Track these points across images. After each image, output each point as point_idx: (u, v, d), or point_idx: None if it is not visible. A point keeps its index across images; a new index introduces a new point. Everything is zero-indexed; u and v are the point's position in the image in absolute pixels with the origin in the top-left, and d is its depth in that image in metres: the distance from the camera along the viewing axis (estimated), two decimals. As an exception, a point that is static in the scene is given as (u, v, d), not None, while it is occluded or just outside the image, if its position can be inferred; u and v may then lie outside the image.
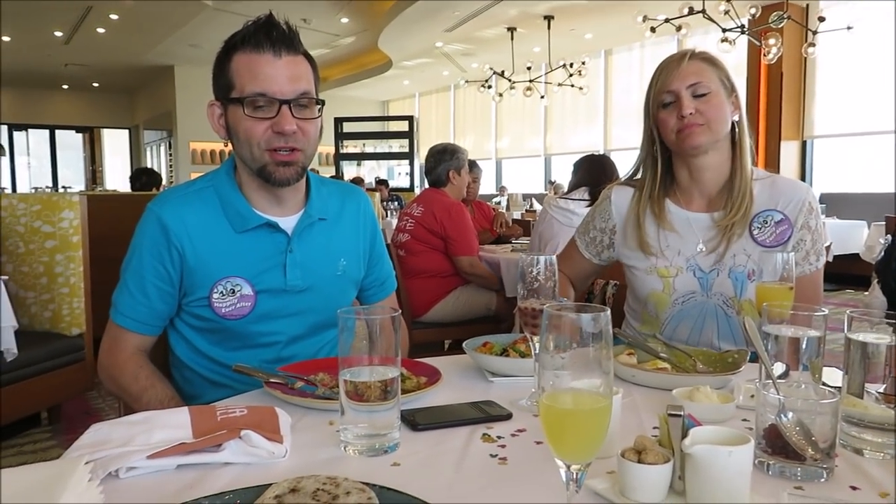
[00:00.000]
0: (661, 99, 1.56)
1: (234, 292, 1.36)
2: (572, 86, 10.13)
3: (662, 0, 7.28)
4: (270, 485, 0.76)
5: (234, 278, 1.36)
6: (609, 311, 0.62)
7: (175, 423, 0.95)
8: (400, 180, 12.56)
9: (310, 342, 1.48)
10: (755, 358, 1.34)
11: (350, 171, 12.75)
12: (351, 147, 12.42)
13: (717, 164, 1.59)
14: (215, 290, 1.36)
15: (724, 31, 6.80)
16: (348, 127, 12.44)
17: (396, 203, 8.83)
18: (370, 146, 12.66)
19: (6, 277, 3.14)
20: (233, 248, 1.37)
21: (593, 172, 3.51)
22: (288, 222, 1.41)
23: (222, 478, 0.86)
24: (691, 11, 6.82)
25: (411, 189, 10.99)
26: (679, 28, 7.11)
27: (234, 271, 1.37)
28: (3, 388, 3.17)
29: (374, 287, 1.62)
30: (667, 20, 7.09)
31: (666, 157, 1.64)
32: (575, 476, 0.64)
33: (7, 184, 15.78)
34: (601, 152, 9.72)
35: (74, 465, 0.75)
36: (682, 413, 0.81)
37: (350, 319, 0.94)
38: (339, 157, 11.88)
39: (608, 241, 1.73)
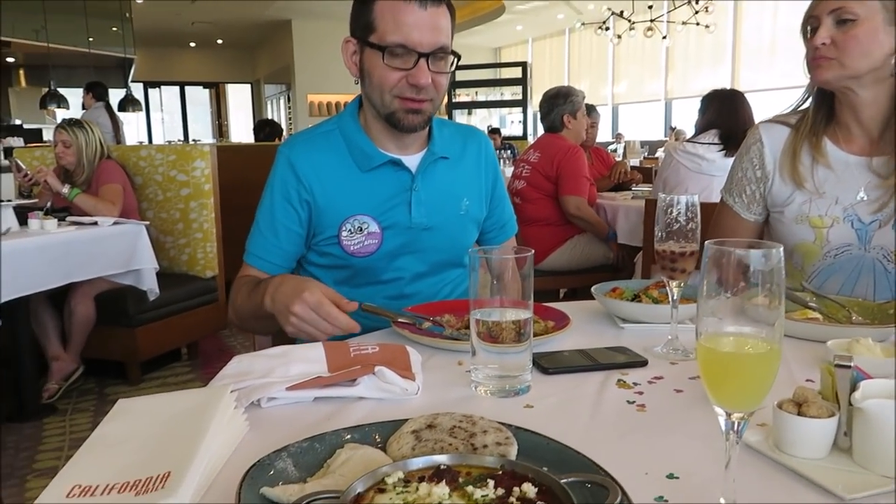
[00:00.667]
0: (808, 24, 1.40)
1: (361, 230, 1.38)
2: (697, 24, 9.50)
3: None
4: (407, 420, 0.76)
5: (362, 216, 1.38)
6: (781, 248, 0.56)
7: (311, 357, 0.97)
8: (512, 129, 12.37)
9: (432, 280, 1.49)
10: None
11: (461, 120, 12.68)
12: (463, 96, 12.32)
13: (876, 101, 1.39)
14: (343, 228, 1.39)
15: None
16: (460, 75, 12.27)
17: (509, 151, 8.71)
18: (482, 94, 12.50)
19: (147, 223, 3.37)
20: (359, 187, 1.39)
21: (724, 111, 3.20)
22: (411, 160, 1.42)
23: (357, 412, 0.87)
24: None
25: (524, 137, 10.79)
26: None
27: (361, 209, 1.39)
28: (147, 324, 3.44)
29: (495, 230, 1.60)
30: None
31: (827, 92, 1.46)
32: (736, 426, 0.59)
33: (144, 138, 16.89)
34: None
35: (222, 392, 0.77)
36: (850, 364, 0.73)
37: (480, 259, 0.91)
38: (452, 107, 11.82)
39: (764, 189, 1.54)
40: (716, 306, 0.57)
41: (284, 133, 9.38)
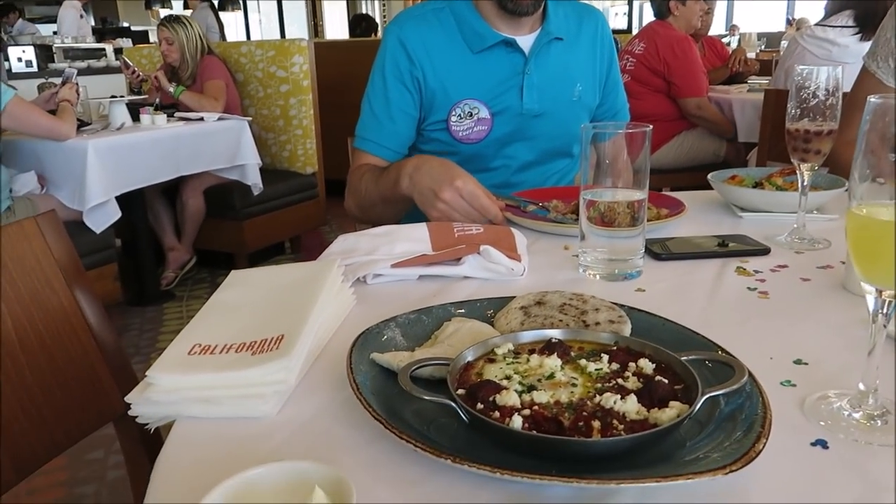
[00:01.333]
0: None
1: (471, 115, 1.33)
2: None
3: None
4: (515, 297, 0.74)
5: (472, 101, 1.33)
6: (965, 100, 0.48)
7: (415, 236, 0.96)
8: (616, 22, 11.68)
9: (539, 170, 1.44)
10: None
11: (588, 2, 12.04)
12: (564, -14, 11.68)
13: None
14: (453, 113, 1.34)
15: None
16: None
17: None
18: (585, -15, 11.81)
19: (250, 119, 3.43)
20: (470, 69, 1.33)
21: None
22: (525, 41, 1.34)
23: (463, 290, 0.86)
24: None
25: (628, 31, 10.18)
26: None
27: (471, 93, 1.33)
28: (253, 218, 3.57)
29: (608, 117, 1.52)
30: None
31: None
32: (886, 306, 0.53)
33: (243, 38, 17.11)
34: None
35: (330, 266, 0.78)
36: None
37: (593, 135, 0.86)
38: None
39: None
40: (876, 167, 0.50)
41: (380, 28, 9.23)
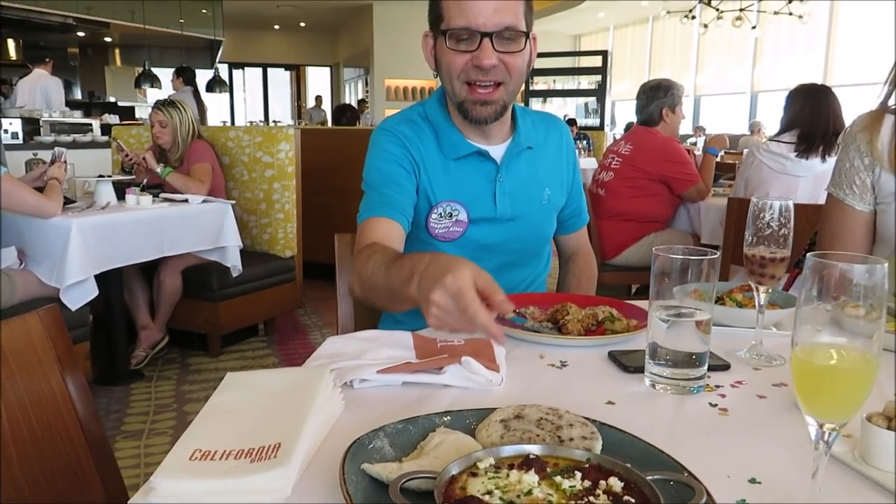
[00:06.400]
0: None
1: (451, 216, 1.41)
2: (790, 14, 9.12)
3: None
4: (495, 409, 0.80)
5: (454, 203, 1.41)
6: (886, 264, 0.56)
7: (401, 343, 1.02)
8: (588, 119, 12.19)
9: (512, 273, 1.50)
10: None
11: (536, 108, 12.56)
12: (541, 83, 12.21)
13: None
14: (434, 211, 1.41)
15: None
16: (538, 63, 12.18)
17: (585, 142, 8.60)
18: (559, 83, 12.36)
19: (234, 202, 3.51)
20: (451, 173, 1.42)
21: (805, 109, 3.05)
22: (497, 151, 1.44)
23: (444, 398, 0.91)
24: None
25: (601, 128, 10.63)
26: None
27: (452, 195, 1.41)
28: (229, 299, 3.59)
29: (573, 217, 1.63)
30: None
31: None
32: (827, 436, 0.59)
33: (227, 117, 17.47)
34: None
35: (322, 371, 0.83)
36: (948, 381, 0.72)
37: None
38: (528, 95, 11.75)
39: (873, 177, 1.46)
40: (814, 317, 0.57)
41: (360, 118, 9.52)
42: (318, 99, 6.55)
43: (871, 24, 10.24)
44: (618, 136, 5.25)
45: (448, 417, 0.78)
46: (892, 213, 1.44)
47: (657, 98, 3.48)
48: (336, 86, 19.20)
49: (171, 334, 3.60)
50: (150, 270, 3.50)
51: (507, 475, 0.64)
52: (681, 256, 0.92)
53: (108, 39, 12.36)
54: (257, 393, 0.80)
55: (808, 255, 0.58)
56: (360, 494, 0.62)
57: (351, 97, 17.79)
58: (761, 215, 1.06)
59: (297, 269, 4.02)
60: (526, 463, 0.66)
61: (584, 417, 0.78)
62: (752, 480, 0.72)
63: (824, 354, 0.57)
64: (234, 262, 3.43)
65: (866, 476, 0.72)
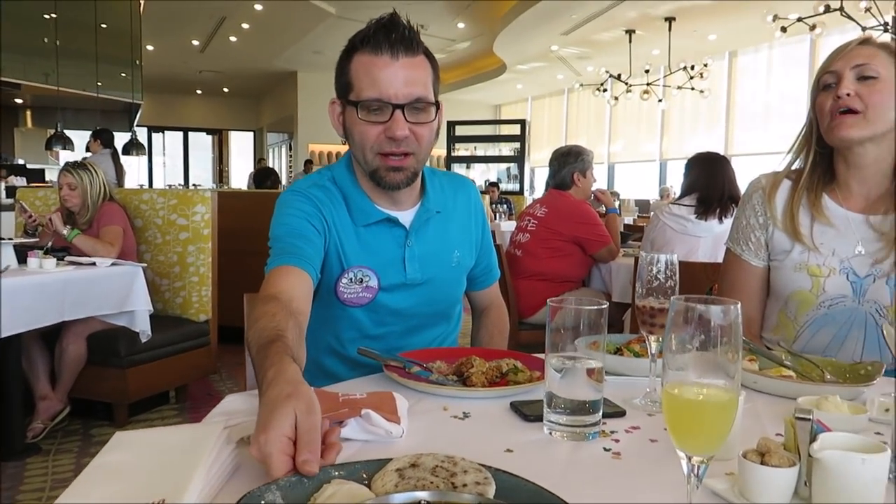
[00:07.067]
0: (823, 80, 1.45)
1: (361, 281, 1.40)
2: (692, 89, 9.79)
3: (794, -1, 6.91)
4: (392, 459, 0.80)
5: (365, 268, 1.41)
6: (739, 305, 0.61)
7: (302, 397, 1.00)
8: (509, 184, 12.56)
9: (422, 335, 1.51)
10: (893, 373, 1.26)
11: (459, 172, 12.85)
12: (462, 150, 12.56)
13: (879, 159, 1.44)
14: (345, 276, 1.40)
15: (863, 29, 6.35)
16: (460, 130, 12.60)
17: (505, 206, 8.84)
18: (481, 149, 12.75)
19: (145, 265, 3.41)
20: (361, 239, 1.42)
21: (702, 175, 3.32)
22: (406, 216, 1.45)
23: (345, 451, 0.90)
24: (827, 10, 6.44)
25: (520, 192, 10.96)
26: (813, 27, 6.73)
27: (364, 261, 1.41)
28: (138, 366, 3.44)
29: (483, 275, 1.65)
30: (800, 19, 6.72)
31: (827, 149, 1.51)
32: (696, 470, 0.63)
33: (145, 181, 17.07)
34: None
35: (215, 429, 0.81)
36: (810, 417, 0.78)
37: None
38: (451, 160, 12.04)
39: (767, 235, 1.57)
40: (679, 357, 0.61)
41: (283, 182, 9.50)
42: (101, 138, 6.08)
43: (764, 101, 11.10)
44: (537, 201, 5.42)
45: (343, 470, 0.78)
46: (783, 270, 1.54)
47: (568, 163, 3.64)
48: (260, 150, 19.14)
49: (73, 404, 3.40)
50: (52, 336, 3.32)
51: (397, 522, 0.64)
52: (573, 307, 0.96)
53: (18, 101, 11.99)
54: (145, 450, 0.78)
55: (672, 299, 0.63)
56: (245, 548, 0.61)
57: (275, 161, 17.77)
58: (650, 268, 1.12)
59: (212, 333, 3.90)
60: (416, 509, 0.66)
61: (480, 464, 0.79)
62: (639, 519, 0.74)
63: (689, 391, 0.61)
64: (143, 327, 3.31)
65: (744, 511, 0.75)
